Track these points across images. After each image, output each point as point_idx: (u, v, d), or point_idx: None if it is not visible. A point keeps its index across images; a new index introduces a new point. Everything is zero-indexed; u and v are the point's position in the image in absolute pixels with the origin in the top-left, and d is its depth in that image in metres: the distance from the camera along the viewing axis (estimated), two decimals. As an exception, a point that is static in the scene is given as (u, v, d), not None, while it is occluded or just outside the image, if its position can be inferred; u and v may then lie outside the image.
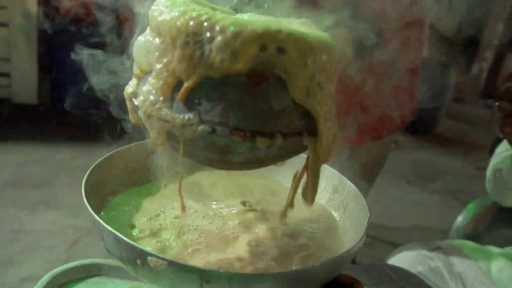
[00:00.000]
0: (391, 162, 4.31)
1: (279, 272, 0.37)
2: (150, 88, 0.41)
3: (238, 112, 0.38)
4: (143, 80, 0.44)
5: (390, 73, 0.87)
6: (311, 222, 0.52)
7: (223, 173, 0.62)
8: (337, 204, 0.57)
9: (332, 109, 0.43)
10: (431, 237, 2.73)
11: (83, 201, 0.41)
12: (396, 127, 1.21)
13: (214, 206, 0.53)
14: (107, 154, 0.54)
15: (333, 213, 0.56)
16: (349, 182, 0.57)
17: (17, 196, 2.31)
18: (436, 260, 1.09)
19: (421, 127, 5.06)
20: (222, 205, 0.53)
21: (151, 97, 0.41)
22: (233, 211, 0.51)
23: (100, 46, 0.68)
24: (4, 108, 3.18)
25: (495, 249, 1.16)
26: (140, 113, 0.42)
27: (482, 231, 1.42)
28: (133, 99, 0.45)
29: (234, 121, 0.38)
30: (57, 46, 3.39)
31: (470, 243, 1.21)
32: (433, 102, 4.94)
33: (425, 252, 1.12)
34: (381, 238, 2.50)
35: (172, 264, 0.34)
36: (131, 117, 0.50)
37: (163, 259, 0.34)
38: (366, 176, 1.20)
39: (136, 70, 0.48)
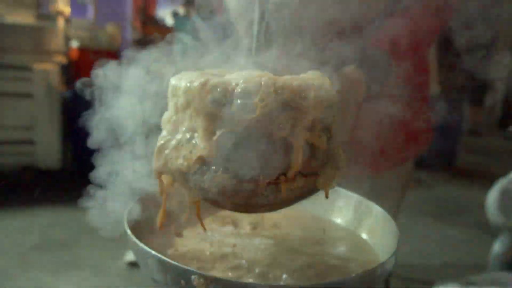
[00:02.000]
0: (414, 200, 4.23)
1: (321, 283, 0.38)
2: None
3: (261, 162, 0.42)
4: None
5: (402, 102, 0.89)
6: (340, 242, 0.53)
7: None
8: (366, 228, 0.57)
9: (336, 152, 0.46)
10: (466, 273, 2.61)
11: (127, 232, 0.43)
12: (415, 152, 1.22)
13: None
14: (141, 196, 0.56)
15: (362, 235, 0.56)
16: (375, 206, 0.58)
17: (43, 259, 2.32)
18: None
19: (440, 162, 5.00)
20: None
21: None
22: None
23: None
24: (29, 175, 3.28)
25: None
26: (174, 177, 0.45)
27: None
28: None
29: (258, 170, 0.42)
30: (78, 113, 3.54)
31: (505, 274, 1.17)
32: (449, 136, 4.92)
33: None
34: (414, 278, 2.40)
35: (216, 281, 0.35)
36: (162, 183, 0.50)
37: (206, 276, 0.35)
38: (392, 202, 1.20)
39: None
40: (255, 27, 0.54)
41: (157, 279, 0.40)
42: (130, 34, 4.95)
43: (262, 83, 0.40)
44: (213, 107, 0.41)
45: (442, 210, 3.77)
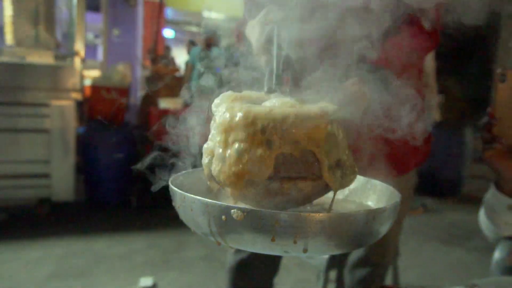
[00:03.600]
0: (423, 226, 4.24)
1: (336, 213, 0.47)
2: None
3: (285, 167, 0.52)
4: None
5: (401, 113, 0.98)
6: (350, 207, 0.62)
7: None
8: (372, 200, 0.66)
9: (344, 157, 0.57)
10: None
11: (172, 187, 0.53)
12: (415, 163, 1.31)
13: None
14: (190, 170, 0.65)
15: (369, 203, 0.66)
16: (380, 183, 0.67)
17: (60, 287, 2.37)
18: None
19: (447, 189, 5.05)
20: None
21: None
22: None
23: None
24: (44, 207, 3.37)
25: None
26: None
27: (523, 262, 1.42)
28: (211, 169, 0.58)
29: (283, 173, 0.52)
30: (90, 147, 3.69)
31: (506, 277, 1.22)
32: (454, 164, 4.97)
33: None
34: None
35: (252, 212, 0.45)
36: (209, 183, 0.61)
37: (243, 209, 0.45)
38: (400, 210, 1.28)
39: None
40: (274, 64, 0.66)
41: (201, 224, 0.49)
42: (140, 72, 5.19)
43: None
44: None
45: (450, 235, 3.78)
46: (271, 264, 1.42)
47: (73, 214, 3.48)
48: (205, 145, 0.58)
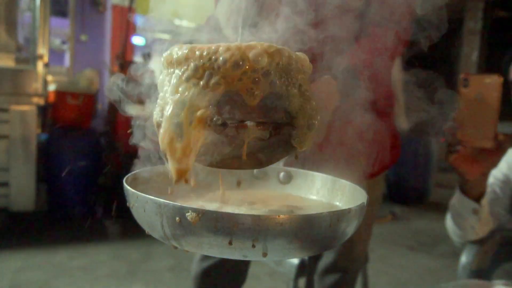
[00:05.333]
0: (391, 233, 4.29)
1: (296, 215, 0.43)
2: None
3: (241, 109, 0.48)
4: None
5: (370, 116, 0.97)
6: (316, 207, 0.59)
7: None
8: (339, 200, 0.64)
9: (307, 108, 0.53)
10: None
11: (125, 186, 0.48)
12: (384, 166, 1.30)
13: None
14: (145, 168, 0.61)
15: (336, 203, 0.63)
16: (349, 183, 0.64)
17: (16, 301, 2.24)
18: None
19: (414, 197, 5.15)
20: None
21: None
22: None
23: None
24: (1, 217, 3.19)
25: (500, 283, 1.17)
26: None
27: (488, 267, 1.43)
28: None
29: (239, 116, 0.49)
30: (53, 155, 3.54)
31: (475, 281, 1.23)
32: (421, 172, 5.09)
33: None
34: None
35: (207, 213, 0.41)
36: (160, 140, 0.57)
37: (198, 210, 0.41)
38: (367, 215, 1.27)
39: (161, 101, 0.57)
40: (241, 20, 0.62)
41: (155, 225, 0.45)
42: (108, 78, 5.06)
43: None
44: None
45: (417, 241, 3.84)
46: (238, 272, 1.38)
47: (33, 225, 3.31)
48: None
